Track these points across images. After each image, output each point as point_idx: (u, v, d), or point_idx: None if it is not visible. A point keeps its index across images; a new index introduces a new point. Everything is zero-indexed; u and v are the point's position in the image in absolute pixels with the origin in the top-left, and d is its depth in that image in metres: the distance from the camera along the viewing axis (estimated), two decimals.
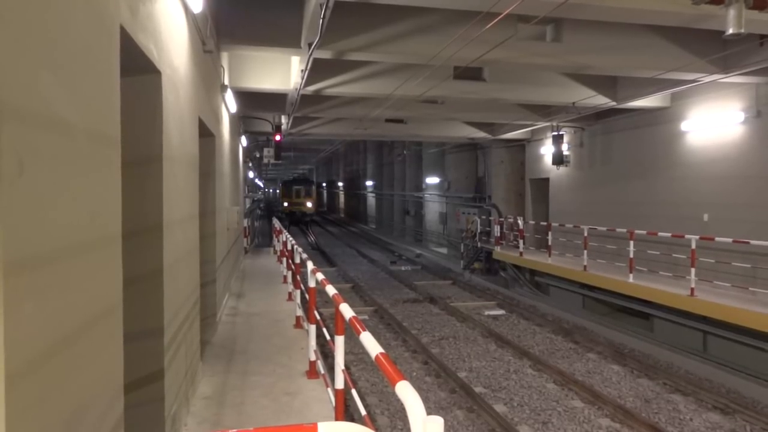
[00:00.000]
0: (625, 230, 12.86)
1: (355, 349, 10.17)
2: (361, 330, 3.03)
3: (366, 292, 16.95)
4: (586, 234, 14.03)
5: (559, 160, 17.23)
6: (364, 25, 8.48)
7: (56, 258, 1.95)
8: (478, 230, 20.38)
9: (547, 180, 19.49)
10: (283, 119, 16.17)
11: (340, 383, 4.33)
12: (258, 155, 25.85)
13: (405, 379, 2.12)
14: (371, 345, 2.73)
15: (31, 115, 1.74)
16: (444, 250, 26.64)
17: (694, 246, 10.64)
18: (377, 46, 8.62)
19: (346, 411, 4.40)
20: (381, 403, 8.45)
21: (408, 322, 13.42)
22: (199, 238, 5.89)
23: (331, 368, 6.57)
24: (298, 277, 9.20)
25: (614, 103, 13.13)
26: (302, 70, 9.13)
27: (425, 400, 8.37)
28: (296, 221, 46.93)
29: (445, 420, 1.87)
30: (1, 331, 1.52)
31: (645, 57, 9.69)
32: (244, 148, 18.21)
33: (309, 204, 48.73)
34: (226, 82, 9.55)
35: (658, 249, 12.64)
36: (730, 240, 10.47)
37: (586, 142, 17.26)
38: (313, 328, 6.23)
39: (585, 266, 13.71)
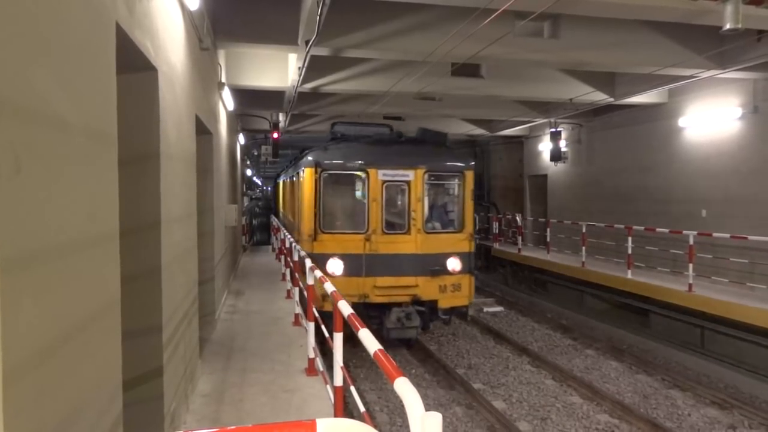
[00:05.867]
0: (623, 226, 12.88)
1: (353, 347, 10.18)
2: (359, 327, 3.03)
3: None
4: (584, 230, 14.04)
5: (557, 156, 17.23)
6: (362, 21, 8.47)
7: (54, 255, 1.95)
8: (477, 227, 20.38)
9: (545, 177, 19.50)
10: (281, 117, 16.14)
11: (338, 380, 4.33)
12: (256, 153, 25.82)
13: (404, 375, 2.12)
14: (370, 342, 2.73)
15: (27, 113, 1.74)
16: None
17: (692, 242, 10.66)
18: (374, 43, 8.60)
19: (345, 408, 4.41)
20: (380, 400, 8.46)
21: None
22: (197, 235, 5.88)
23: (330, 366, 6.57)
24: (297, 275, 9.19)
25: (612, 100, 13.13)
26: (299, 68, 9.10)
27: (424, 397, 8.38)
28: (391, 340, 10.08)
29: (444, 416, 1.88)
30: None
31: (642, 53, 9.68)
32: (241, 146, 18.19)
33: (456, 261, 10.26)
34: (224, 79, 9.53)
35: (656, 245, 12.66)
36: (728, 236, 10.49)
37: (584, 139, 17.26)
38: (311, 325, 6.23)
39: (583, 263, 13.72)
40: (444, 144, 11.20)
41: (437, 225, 10.55)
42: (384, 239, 9.87)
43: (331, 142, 10.97)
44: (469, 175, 10.62)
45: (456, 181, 10.73)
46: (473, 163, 10.93)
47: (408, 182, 10.10)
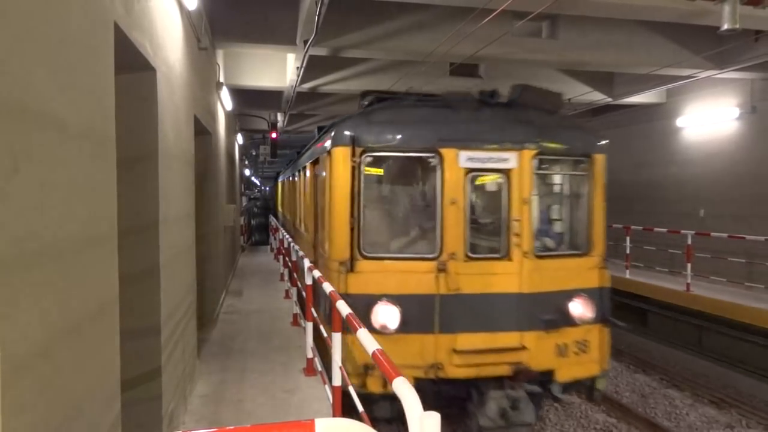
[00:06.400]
0: (621, 226, 12.90)
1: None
2: (357, 327, 3.03)
3: None
4: None
5: None
6: (360, 21, 8.48)
7: (52, 255, 1.95)
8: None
9: None
10: (279, 117, 16.13)
11: (337, 380, 4.33)
12: (254, 153, 25.80)
13: (402, 375, 2.12)
14: (368, 342, 2.73)
15: (26, 113, 1.73)
16: None
17: (689, 241, 10.67)
18: (373, 43, 8.61)
19: (344, 408, 4.41)
20: None
21: None
22: (195, 235, 5.88)
23: (328, 366, 6.57)
24: (295, 275, 9.19)
25: (610, 100, 13.15)
26: (298, 68, 9.11)
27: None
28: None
29: (441, 416, 1.88)
30: None
31: (640, 53, 9.70)
32: (240, 146, 18.18)
33: (584, 303, 6.11)
34: (222, 79, 9.53)
35: (654, 245, 12.68)
36: (725, 235, 10.50)
37: None
38: (310, 325, 6.22)
39: None
40: (558, 112, 6.85)
41: (550, 243, 6.45)
42: (469, 269, 5.87)
43: (376, 106, 6.63)
44: (601, 161, 6.41)
45: (580, 170, 6.51)
46: (605, 142, 6.55)
47: (508, 171, 6.01)
